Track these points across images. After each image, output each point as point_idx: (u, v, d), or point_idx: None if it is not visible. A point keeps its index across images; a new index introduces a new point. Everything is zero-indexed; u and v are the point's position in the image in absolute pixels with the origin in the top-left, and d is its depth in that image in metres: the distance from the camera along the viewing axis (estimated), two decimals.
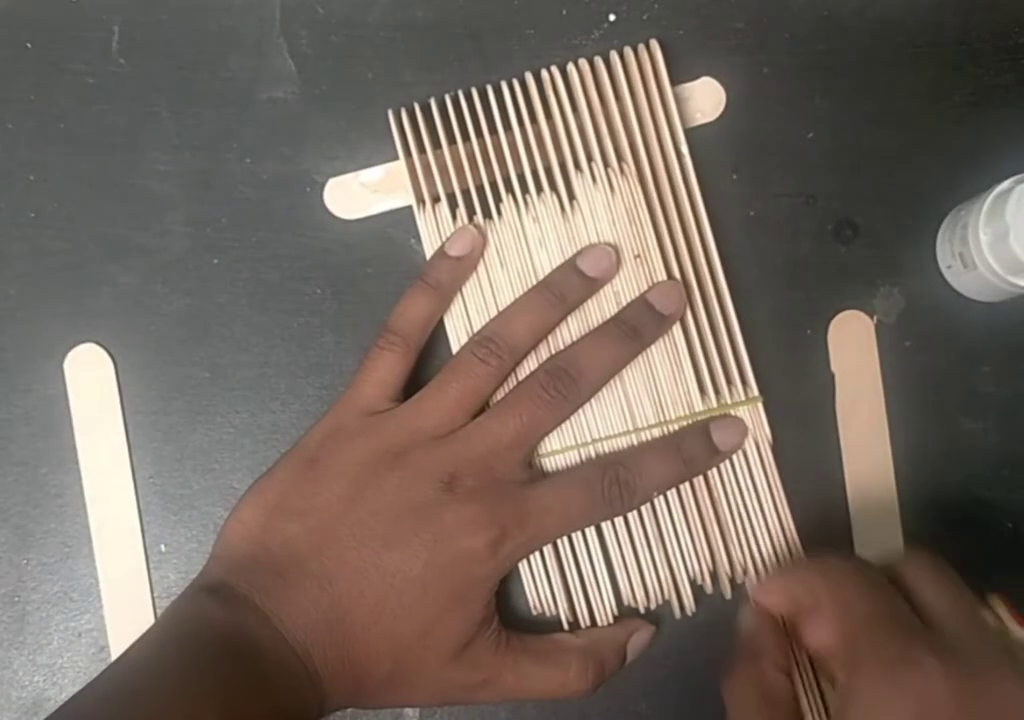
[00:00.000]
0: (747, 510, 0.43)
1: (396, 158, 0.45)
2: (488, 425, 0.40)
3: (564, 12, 0.46)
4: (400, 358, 0.41)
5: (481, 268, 0.43)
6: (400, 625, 0.38)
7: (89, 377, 0.45)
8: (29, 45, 0.46)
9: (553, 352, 0.42)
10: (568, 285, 0.42)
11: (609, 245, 0.43)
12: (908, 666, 0.33)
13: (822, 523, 0.44)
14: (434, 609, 0.38)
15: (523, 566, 0.42)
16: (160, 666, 0.36)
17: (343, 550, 0.38)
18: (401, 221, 0.45)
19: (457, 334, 0.43)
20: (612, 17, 0.46)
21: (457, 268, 0.42)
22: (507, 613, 0.43)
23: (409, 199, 0.44)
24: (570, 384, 0.40)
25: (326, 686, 0.38)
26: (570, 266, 0.42)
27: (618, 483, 0.40)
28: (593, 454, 0.43)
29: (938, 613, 0.35)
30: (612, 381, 0.42)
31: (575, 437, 0.43)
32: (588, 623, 0.43)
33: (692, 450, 0.42)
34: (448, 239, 0.43)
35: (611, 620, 0.43)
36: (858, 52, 0.46)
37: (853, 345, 0.45)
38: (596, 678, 0.40)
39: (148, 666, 0.36)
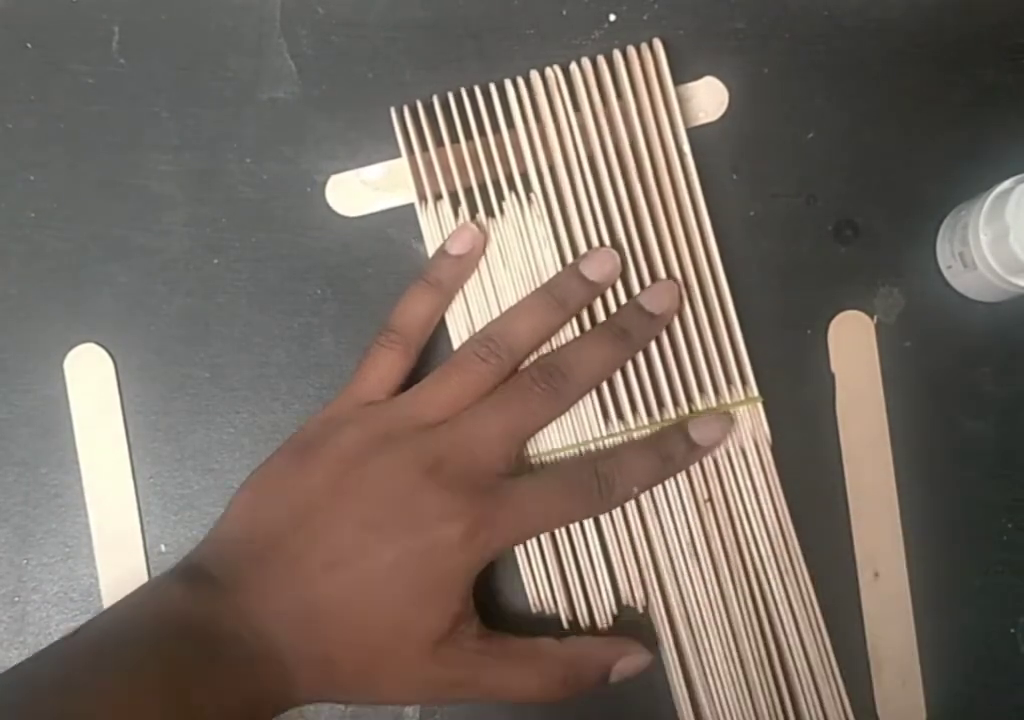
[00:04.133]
0: (746, 510, 0.43)
1: (396, 157, 0.45)
2: (480, 412, 0.40)
3: (564, 12, 0.46)
4: (401, 356, 0.41)
5: (483, 266, 0.43)
6: (372, 618, 0.38)
7: (89, 377, 0.45)
8: (29, 45, 0.46)
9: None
10: (570, 289, 0.42)
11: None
12: None
13: (822, 523, 0.44)
14: (407, 600, 0.38)
15: (522, 564, 0.43)
16: (113, 640, 0.36)
17: (322, 535, 0.38)
18: (401, 221, 0.45)
19: (459, 332, 0.43)
20: (612, 17, 0.46)
21: (457, 266, 0.42)
22: (507, 611, 0.43)
23: (411, 197, 0.44)
24: (560, 381, 0.40)
25: (294, 675, 0.37)
26: (572, 270, 0.42)
27: (597, 476, 0.40)
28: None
29: None
30: (612, 380, 0.42)
31: (575, 436, 0.43)
32: (588, 622, 0.43)
33: (670, 446, 0.42)
34: (448, 237, 0.43)
35: (610, 620, 0.43)
36: (858, 52, 0.46)
37: (853, 345, 0.45)
38: (574, 692, 0.40)
39: (104, 641, 0.37)
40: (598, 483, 0.40)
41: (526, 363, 0.42)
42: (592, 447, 0.43)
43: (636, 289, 0.43)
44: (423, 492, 0.38)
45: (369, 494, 0.39)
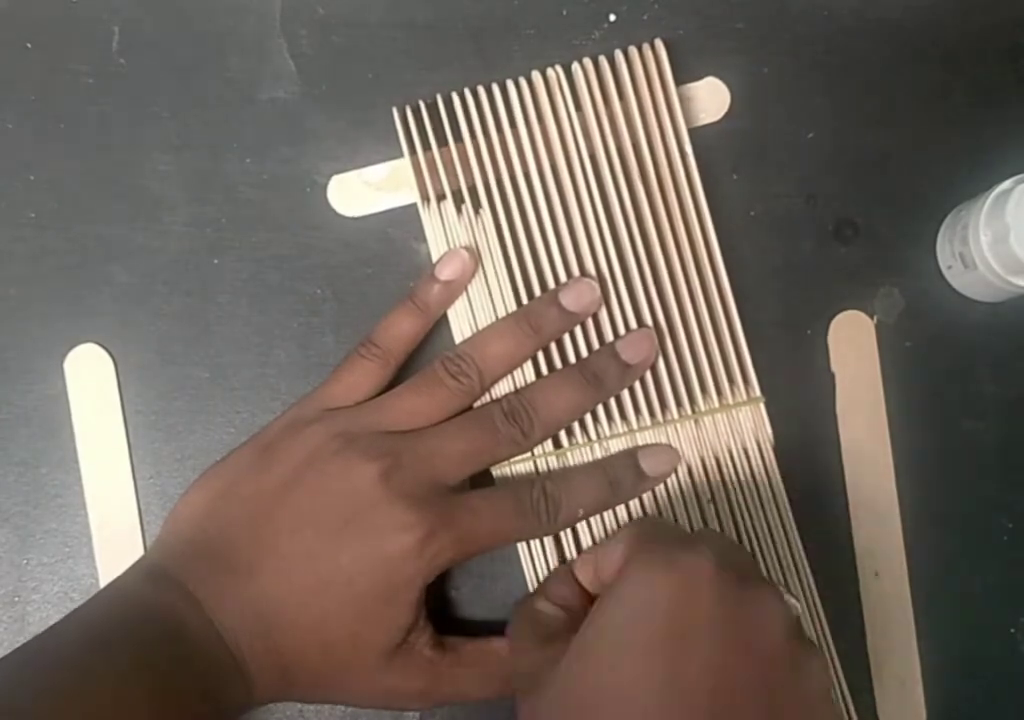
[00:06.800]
0: (747, 510, 0.43)
1: (396, 157, 0.45)
2: (448, 430, 0.40)
3: (564, 12, 0.46)
4: (378, 368, 0.41)
5: (487, 261, 0.43)
6: (327, 623, 0.38)
7: (89, 377, 0.45)
8: (29, 45, 0.46)
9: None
10: (546, 317, 0.42)
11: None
12: (686, 552, 0.34)
13: (822, 523, 0.44)
14: (360, 607, 0.38)
15: (526, 565, 0.43)
16: (87, 639, 0.36)
17: (277, 537, 0.39)
18: (401, 221, 0.45)
19: (460, 328, 0.43)
20: (612, 17, 0.46)
21: (446, 291, 0.42)
22: (508, 611, 0.43)
23: (413, 197, 0.44)
24: (527, 424, 0.41)
25: (254, 676, 0.38)
26: (551, 298, 0.42)
27: (544, 496, 0.40)
28: (597, 453, 0.43)
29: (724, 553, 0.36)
30: None
31: (579, 436, 0.43)
32: None
33: (618, 472, 0.42)
34: (438, 261, 0.43)
35: None
36: (858, 52, 0.46)
37: (853, 345, 0.45)
38: None
39: (75, 638, 0.37)
40: (545, 502, 0.40)
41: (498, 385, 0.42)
42: (596, 447, 0.43)
43: (639, 290, 0.43)
44: (379, 499, 0.38)
45: (324, 496, 0.39)
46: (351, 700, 0.41)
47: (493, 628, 0.42)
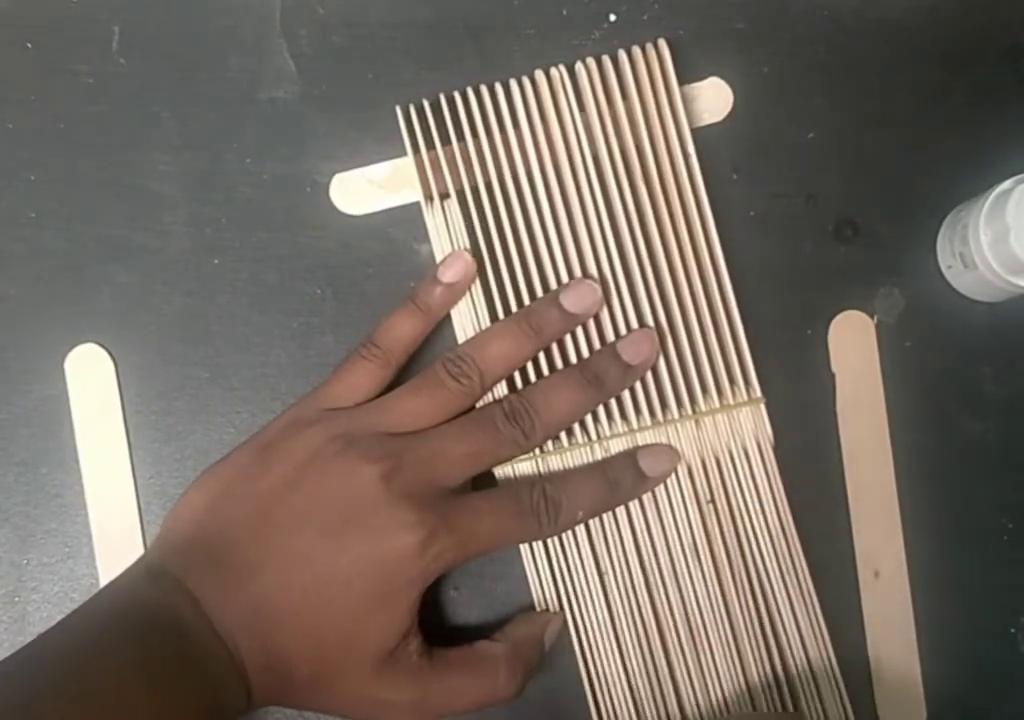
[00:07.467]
0: (748, 510, 0.43)
1: (397, 157, 0.45)
2: (449, 432, 0.40)
3: (564, 12, 0.46)
4: (379, 369, 0.41)
5: (489, 261, 0.43)
6: (324, 622, 0.38)
7: (89, 377, 0.45)
8: (29, 45, 0.46)
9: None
10: (547, 319, 0.42)
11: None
12: None
13: (822, 523, 0.44)
14: (358, 608, 0.38)
15: (528, 565, 0.43)
16: (87, 637, 0.36)
17: (277, 537, 0.38)
18: (402, 221, 0.45)
19: (463, 328, 0.43)
20: (612, 17, 0.46)
21: (448, 294, 0.43)
22: (511, 612, 0.43)
23: (415, 196, 0.44)
24: (528, 425, 0.41)
25: (251, 677, 0.37)
26: (552, 299, 0.42)
27: (544, 497, 0.40)
28: (597, 453, 0.43)
29: None
30: None
31: (577, 437, 0.43)
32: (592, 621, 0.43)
33: (617, 473, 0.42)
34: (442, 263, 0.43)
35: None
36: (858, 52, 0.46)
37: (853, 345, 0.45)
38: (524, 680, 0.40)
39: (75, 636, 0.36)
40: (545, 504, 0.40)
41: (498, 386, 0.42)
42: (596, 447, 0.43)
43: (640, 291, 0.43)
44: (380, 501, 0.38)
45: (325, 497, 0.39)
46: (342, 709, 0.40)
47: (493, 629, 0.42)
